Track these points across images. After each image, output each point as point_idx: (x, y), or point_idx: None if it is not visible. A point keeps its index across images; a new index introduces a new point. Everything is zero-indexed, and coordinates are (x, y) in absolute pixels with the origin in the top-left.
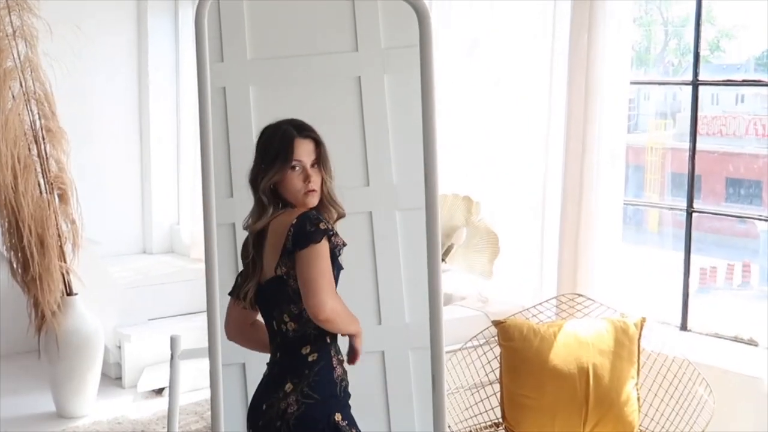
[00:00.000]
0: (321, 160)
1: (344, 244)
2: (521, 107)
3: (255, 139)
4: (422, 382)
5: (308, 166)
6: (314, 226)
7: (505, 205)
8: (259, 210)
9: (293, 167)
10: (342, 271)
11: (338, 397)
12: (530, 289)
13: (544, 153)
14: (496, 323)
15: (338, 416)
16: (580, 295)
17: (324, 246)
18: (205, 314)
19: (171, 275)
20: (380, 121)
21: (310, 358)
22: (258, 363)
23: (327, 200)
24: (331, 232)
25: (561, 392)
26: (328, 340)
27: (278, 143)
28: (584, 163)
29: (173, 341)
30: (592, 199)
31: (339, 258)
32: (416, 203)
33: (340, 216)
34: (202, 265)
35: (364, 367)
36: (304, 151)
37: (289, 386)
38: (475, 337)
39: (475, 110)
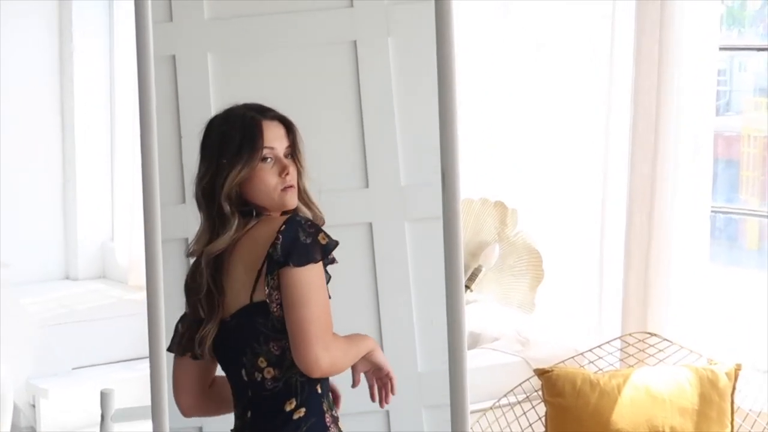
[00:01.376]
0: (295, 148)
1: (334, 261)
2: (571, 82)
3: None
4: None
5: (281, 155)
6: (311, 236)
7: (551, 214)
8: (217, 226)
9: (264, 158)
10: (331, 302)
11: None
12: (585, 327)
13: (603, 144)
14: (540, 372)
15: None
16: (652, 335)
17: (321, 268)
18: (147, 361)
19: (103, 309)
20: (382, 100)
21: (295, 416)
22: (221, 425)
23: (305, 202)
24: (332, 247)
25: None
26: (319, 390)
27: (240, 129)
28: (657, 157)
29: (104, 398)
30: (668, 205)
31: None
32: (431, 211)
33: (321, 222)
34: (144, 295)
35: None
36: (275, 136)
37: None
38: (511, 391)
39: (509, 86)
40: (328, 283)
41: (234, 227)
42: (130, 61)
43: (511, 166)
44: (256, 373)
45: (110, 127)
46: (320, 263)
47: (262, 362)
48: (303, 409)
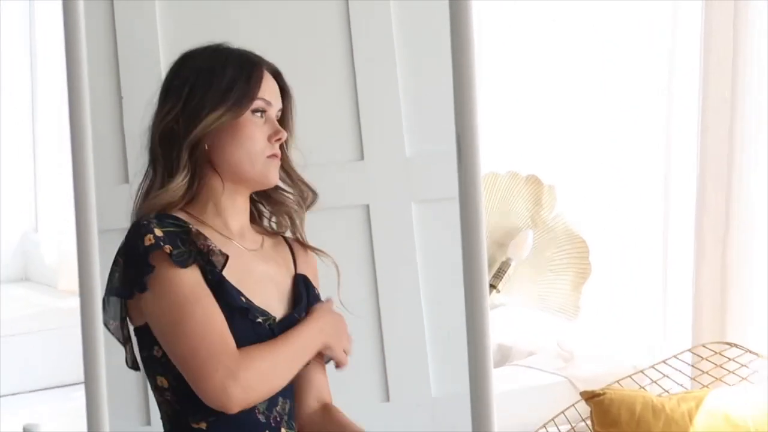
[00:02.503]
0: (287, 115)
1: (222, 255)
2: (623, 28)
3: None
4: None
5: (274, 116)
6: (142, 238)
7: (598, 191)
8: (165, 181)
9: (256, 111)
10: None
11: None
12: (645, 337)
13: (666, 107)
14: (589, 396)
15: None
16: (732, 345)
17: (187, 277)
18: (82, 387)
19: (25, 321)
20: (381, 50)
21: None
22: None
23: (290, 176)
24: (206, 248)
25: None
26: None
27: (235, 65)
28: (736, 116)
29: None
30: (749, 186)
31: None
32: (444, 189)
33: (312, 200)
34: (78, 302)
35: None
36: (273, 91)
37: None
38: (552, 421)
39: (541, 33)
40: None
41: (180, 185)
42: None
43: (546, 132)
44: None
45: (31, 84)
46: (181, 271)
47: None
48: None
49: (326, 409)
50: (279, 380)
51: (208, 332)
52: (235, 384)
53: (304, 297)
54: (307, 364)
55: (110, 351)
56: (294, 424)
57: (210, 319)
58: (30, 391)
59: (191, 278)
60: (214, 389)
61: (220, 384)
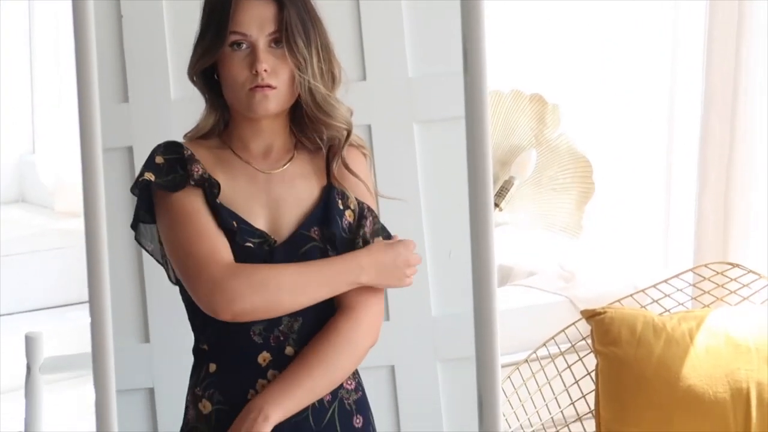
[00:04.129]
0: (291, 34)
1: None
2: None
3: None
4: (460, 414)
5: (261, 44)
6: (143, 174)
7: (602, 111)
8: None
9: (236, 44)
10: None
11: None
12: (647, 257)
13: (672, 27)
14: (590, 315)
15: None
16: (734, 266)
17: (178, 199)
18: (80, 309)
19: (22, 242)
20: None
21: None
22: (175, 387)
23: (313, 109)
24: (196, 173)
25: (700, 431)
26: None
27: (209, 2)
28: (741, 46)
29: (30, 344)
30: (754, 106)
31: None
32: (448, 109)
33: (345, 138)
34: (74, 223)
35: (366, 390)
36: (254, 18)
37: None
38: (552, 339)
39: None
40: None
41: (206, 114)
42: None
43: (551, 50)
44: None
45: (28, 6)
46: (173, 195)
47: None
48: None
49: (341, 313)
50: (276, 298)
51: (196, 246)
52: (220, 292)
53: (321, 211)
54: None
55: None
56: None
57: (199, 234)
58: (28, 311)
59: (184, 199)
60: (201, 297)
61: (207, 291)
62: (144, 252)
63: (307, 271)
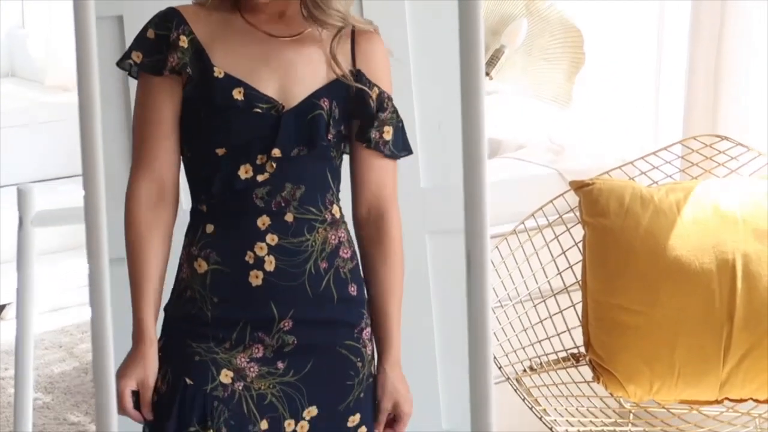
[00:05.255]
0: None
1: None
2: None
3: None
4: (448, 284)
5: None
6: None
7: None
8: None
9: None
10: None
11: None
12: (636, 129)
13: None
14: (578, 186)
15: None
16: (722, 138)
17: (157, 86)
18: (71, 182)
19: (12, 115)
20: None
21: None
22: None
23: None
24: (175, 64)
25: (686, 303)
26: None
27: None
28: None
29: (23, 197)
30: None
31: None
32: None
33: (337, 31)
34: (64, 98)
35: None
36: None
37: None
38: (540, 210)
39: None
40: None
41: None
42: None
43: None
44: None
45: None
46: (147, 77)
47: None
48: None
49: (377, 234)
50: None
51: (142, 137)
52: (128, 191)
53: (335, 86)
54: None
55: (106, 141)
56: (312, 208)
57: (150, 128)
58: (19, 183)
59: (153, 87)
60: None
61: (130, 180)
62: None
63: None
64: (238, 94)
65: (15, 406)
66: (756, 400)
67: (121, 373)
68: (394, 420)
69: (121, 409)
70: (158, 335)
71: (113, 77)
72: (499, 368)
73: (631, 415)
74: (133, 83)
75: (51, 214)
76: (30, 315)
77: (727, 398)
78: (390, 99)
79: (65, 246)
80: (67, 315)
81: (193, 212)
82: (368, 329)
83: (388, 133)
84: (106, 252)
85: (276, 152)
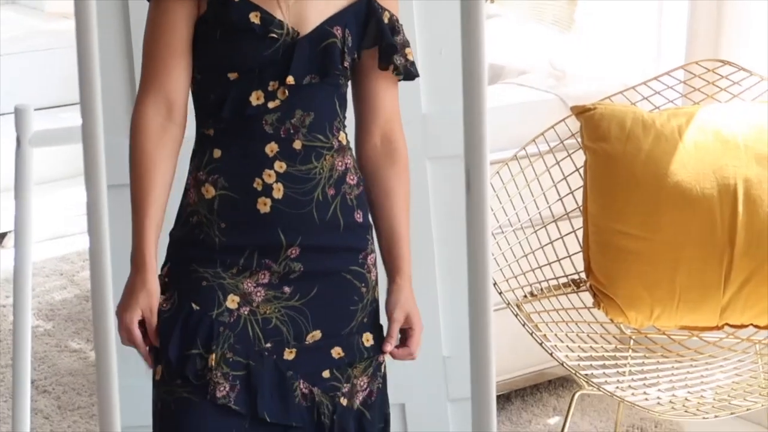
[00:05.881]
0: None
1: None
2: None
3: None
4: (445, 211)
5: None
6: None
7: None
8: None
9: None
10: None
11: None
12: (638, 54)
13: None
14: (580, 111)
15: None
16: (725, 63)
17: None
18: (71, 110)
19: (13, 43)
20: None
21: None
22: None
23: None
24: None
25: (687, 228)
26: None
27: None
28: None
29: (20, 116)
30: None
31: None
32: None
33: None
34: (65, 25)
35: None
36: None
37: None
38: (542, 135)
39: None
40: None
41: None
42: None
43: None
44: None
45: None
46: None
47: None
48: None
49: (389, 158)
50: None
51: (153, 55)
52: (136, 106)
53: (351, 15)
54: None
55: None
56: (320, 135)
57: (160, 47)
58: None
59: (168, 2)
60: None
61: (139, 95)
62: (135, 52)
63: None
64: (254, 18)
65: (14, 334)
66: (756, 326)
67: (126, 305)
68: (405, 338)
69: (131, 342)
70: (161, 259)
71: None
72: (500, 294)
73: (632, 341)
74: (133, 8)
75: (50, 134)
76: (28, 239)
77: (727, 324)
78: (398, 21)
79: (66, 174)
80: (68, 243)
81: (199, 136)
82: (372, 255)
83: (411, 54)
84: (104, 178)
85: (290, 79)
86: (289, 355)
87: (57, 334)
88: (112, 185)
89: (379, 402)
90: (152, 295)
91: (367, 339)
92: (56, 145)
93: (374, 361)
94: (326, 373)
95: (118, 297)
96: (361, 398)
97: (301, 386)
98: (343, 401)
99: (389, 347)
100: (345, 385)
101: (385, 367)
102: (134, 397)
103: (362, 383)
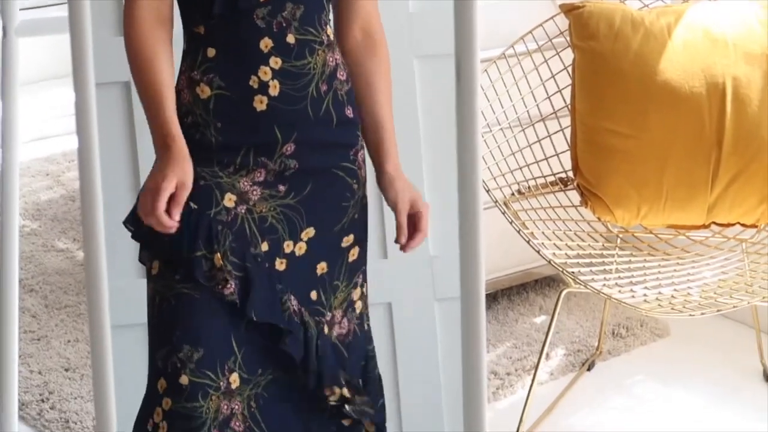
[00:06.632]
0: None
1: None
2: None
3: None
4: (433, 109)
5: None
6: None
7: None
8: None
9: None
10: None
11: None
12: None
13: None
14: (568, 9)
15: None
16: None
17: None
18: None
19: None
20: None
21: None
22: None
23: None
24: None
25: (675, 126)
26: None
27: None
28: None
29: (6, 5)
30: None
31: None
32: None
33: None
34: None
35: None
36: None
37: None
38: (530, 33)
39: None
40: None
41: None
42: None
43: None
44: None
45: None
46: None
47: None
48: None
49: (370, 50)
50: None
51: None
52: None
53: None
54: None
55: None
56: (311, 29)
57: None
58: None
59: None
60: None
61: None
62: None
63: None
64: None
65: (2, 234)
66: (743, 225)
67: (161, 175)
68: (414, 222)
69: (154, 215)
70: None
71: None
72: (487, 191)
73: (618, 239)
74: None
75: (37, 23)
76: (15, 136)
77: (714, 222)
78: None
79: (50, 75)
80: (53, 144)
81: (189, 35)
82: (362, 151)
83: None
84: (92, 71)
85: None
86: (280, 265)
87: (43, 234)
88: (101, 83)
89: (358, 342)
90: (187, 167)
91: (348, 240)
92: (44, 35)
93: (349, 296)
94: (314, 294)
95: (108, 199)
96: (336, 333)
97: (292, 302)
98: (326, 330)
99: (404, 239)
100: (327, 313)
101: (365, 305)
102: (122, 297)
103: (338, 316)
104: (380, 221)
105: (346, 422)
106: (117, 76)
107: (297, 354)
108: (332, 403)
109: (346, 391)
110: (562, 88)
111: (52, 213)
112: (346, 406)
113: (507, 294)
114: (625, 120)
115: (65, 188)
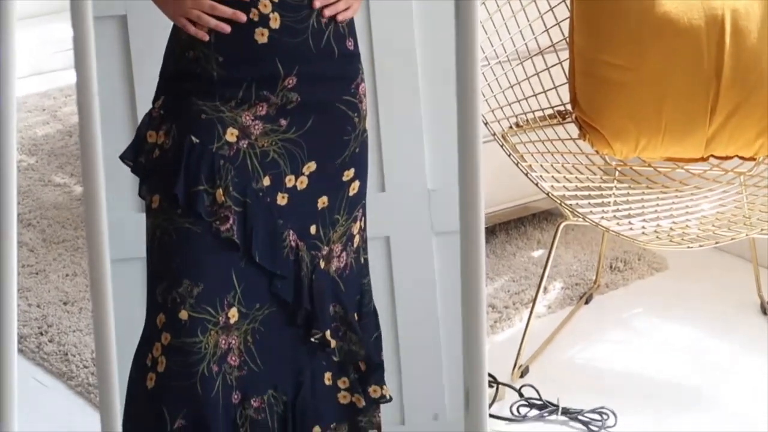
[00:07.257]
0: None
1: None
2: None
3: None
4: (430, 45)
5: None
6: None
7: None
8: None
9: None
10: None
11: None
12: None
13: None
14: None
15: None
16: None
17: None
18: None
19: None
20: None
21: None
22: (147, 14)
23: None
24: None
25: (674, 59)
26: None
27: None
28: None
29: None
30: None
31: None
32: None
33: None
34: None
35: None
36: None
37: None
38: None
39: None
40: None
41: None
42: None
43: None
44: None
45: None
46: None
47: None
48: None
49: None
50: None
51: None
52: None
53: None
54: None
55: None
56: None
57: None
58: None
59: None
60: None
61: None
62: None
63: None
64: None
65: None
66: (741, 157)
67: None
68: None
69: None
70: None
71: None
72: (485, 124)
73: (617, 172)
74: None
75: None
76: (11, 71)
77: (712, 155)
78: None
79: (48, 9)
80: (49, 79)
81: None
82: (363, 84)
83: None
84: (89, 9)
85: None
86: (281, 200)
87: (40, 168)
88: (98, 17)
89: (354, 275)
90: None
91: (349, 174)
92: None
93: (348, 230)
94: (313, 229)
95: (106, 134)
96: (335, 266)
97: (290, 237)
98: (321, 264)
99: (318, 3)
100: (324, 247)
101: (363, 238)
102: (120, 231)
103: (337, 250)
104: (378, 153)
105: (335, 357)
106: (114, 10)
107: (287, 297)
108: (314, 341)
109: (329, 337)
110: (560, 21)
111: (48, 148)
112: (329, 349)
113: (505, 228)
114: (624, 52)
115: (62, 123)
